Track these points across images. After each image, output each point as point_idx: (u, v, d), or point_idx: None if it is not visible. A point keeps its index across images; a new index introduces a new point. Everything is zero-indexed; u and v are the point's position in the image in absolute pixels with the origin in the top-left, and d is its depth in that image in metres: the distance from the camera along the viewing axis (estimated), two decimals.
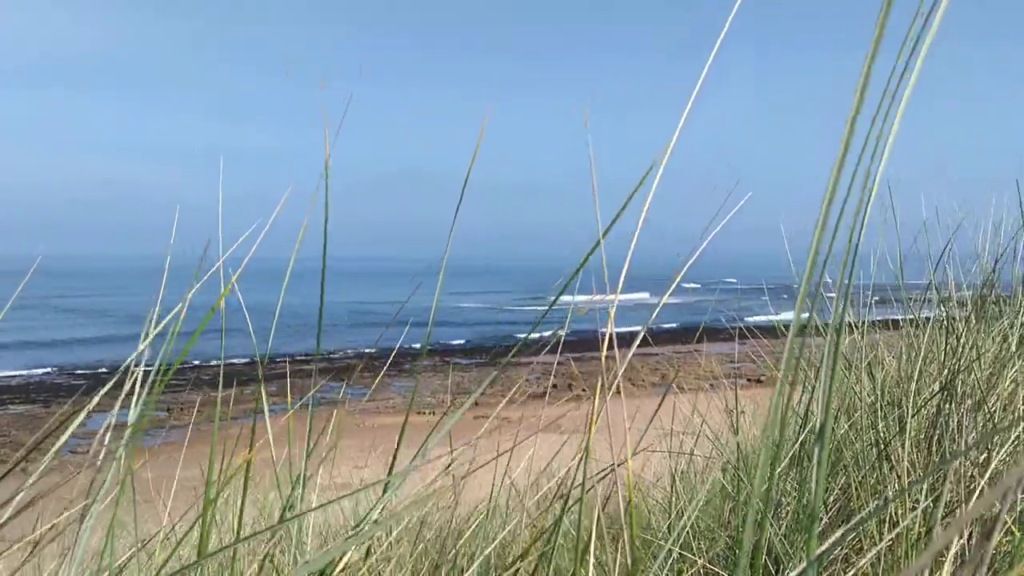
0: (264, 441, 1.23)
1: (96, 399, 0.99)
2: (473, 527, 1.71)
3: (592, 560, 0.99)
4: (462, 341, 34.45)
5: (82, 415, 0.97)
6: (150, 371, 1.03)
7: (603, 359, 0.84)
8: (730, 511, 2.13)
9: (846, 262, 0.52)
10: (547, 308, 0.93)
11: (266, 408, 1.24)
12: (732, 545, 2.00)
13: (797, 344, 0.50)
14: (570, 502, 1.05)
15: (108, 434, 0.97)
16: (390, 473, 1.04)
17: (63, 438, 0.92)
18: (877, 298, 2.56)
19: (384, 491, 0.94)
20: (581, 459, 0.88)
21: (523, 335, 0.95)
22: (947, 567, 0.99)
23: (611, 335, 0.89)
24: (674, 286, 0.93)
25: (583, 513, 0.88)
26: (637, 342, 0.91)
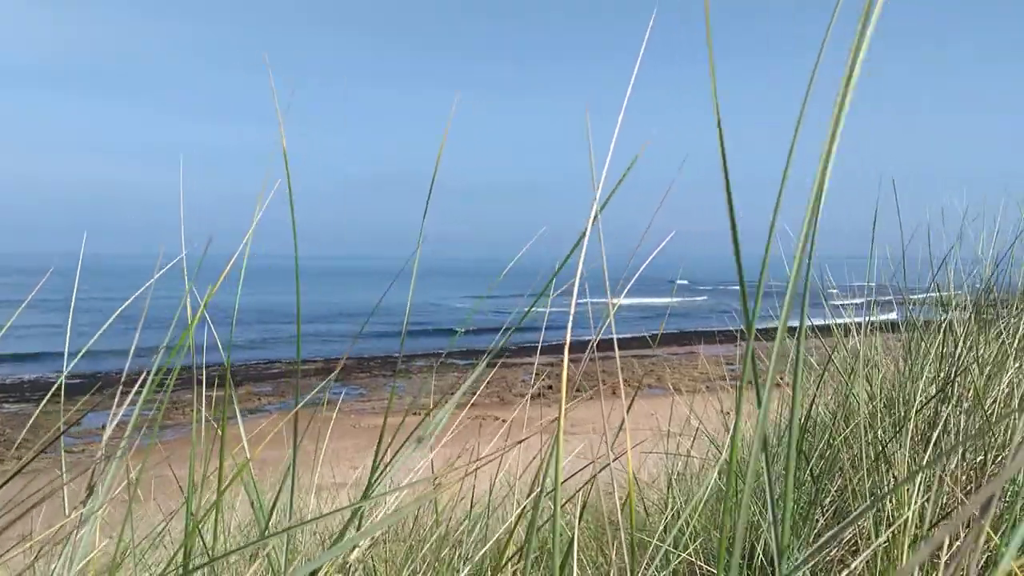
0: (263, 442, 1.23)
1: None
2: (466, 526, 1.71)
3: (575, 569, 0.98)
4: (459, 342, 34.44)
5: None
6: (147, 372, 1.03)
7: (565, 363, 0.84)
8: (726, 512, 2.12)
9: (800, 260, 0.52)
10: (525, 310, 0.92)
11: (238, 413, 1.23)
12: (727, 544, 2.00)
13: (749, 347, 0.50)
14: (542, 505, 1.05)
15: (105, 435, 0.97)
16: (372, 473, 1.03)
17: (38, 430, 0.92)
18: (877, 300, 2.57)
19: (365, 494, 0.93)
20: (549, 463, 0.88)
21: (528, 336, 0.95)
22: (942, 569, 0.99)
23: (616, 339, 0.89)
24: (628, 287, 0.93)
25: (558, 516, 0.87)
26: (590, 343, 0.90)
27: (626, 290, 0.96)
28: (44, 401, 1.09)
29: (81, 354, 1.15)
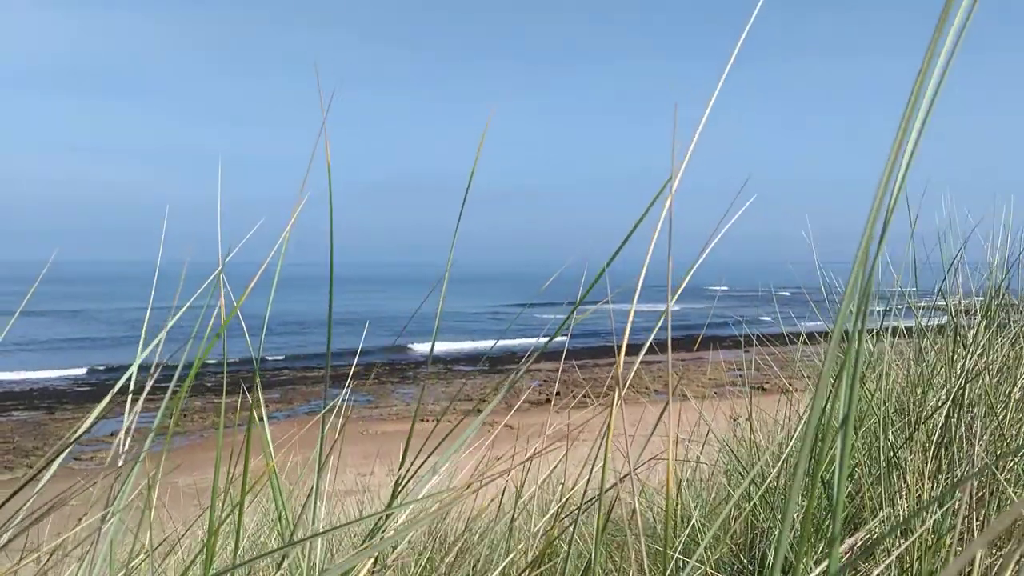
0: (272, 445, 1.23)
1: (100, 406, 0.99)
2: (482, 536, 1.71)
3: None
4: (467, 348, 34.48)
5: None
6: (159, 379, 1.03)
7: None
8: (736, 518, 2.12)
9: (862, 268, 0.52)
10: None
11: (263, 418, 1.23)
12: (737, 552, 1.99)
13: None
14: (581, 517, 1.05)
15: (121, 442, 0.97)
16: (397, 481, 1.03)
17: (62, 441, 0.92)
18: (887, 306, 2.56)
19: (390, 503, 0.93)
20: (592, 471, 0.88)
21: (533, 341, 0.95)
22: None
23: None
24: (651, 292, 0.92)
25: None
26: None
27: (674, 296, 0.95)
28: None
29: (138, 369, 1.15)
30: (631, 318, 0.84)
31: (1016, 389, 1.84)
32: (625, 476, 1.04)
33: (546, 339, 0.89)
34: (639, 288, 0.85)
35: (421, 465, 0.94)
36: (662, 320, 0.86)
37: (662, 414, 0.95)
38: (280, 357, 31.13)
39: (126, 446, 0.93)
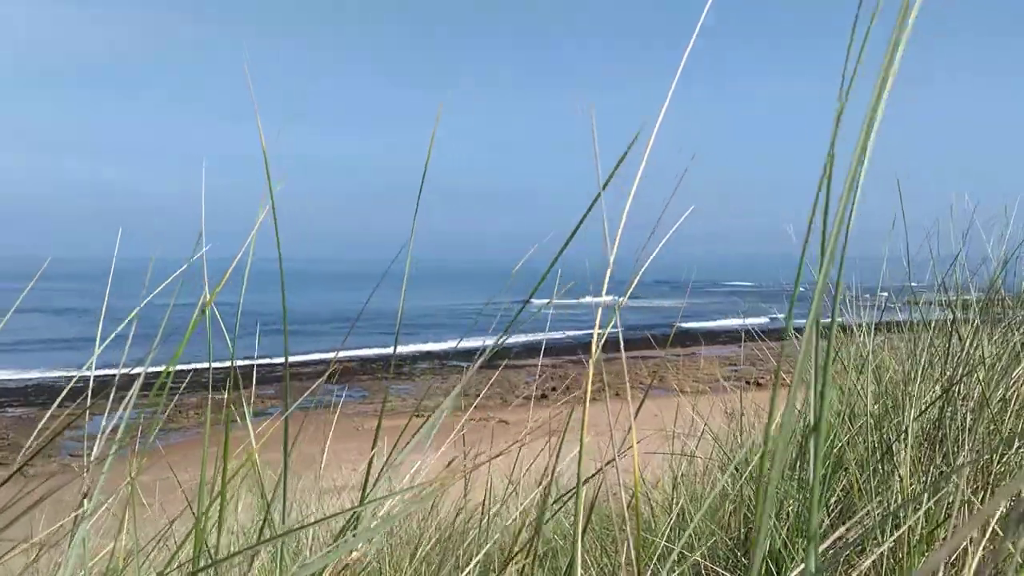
0: (263, 442, 1.23)
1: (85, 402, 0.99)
2: (473, 526, 1.71)
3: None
4: (461, 343, 34.39)
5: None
6: (150, 374, 1.03)
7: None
8: (730, 513, 2.12)
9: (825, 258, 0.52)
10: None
11: (248, 415, 1.23)
12: (732, 545, 1.99)
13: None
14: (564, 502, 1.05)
15: (107, 438, 0.97)
16: (380, 470, 1.03)
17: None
18: (884, 300, 2.56)
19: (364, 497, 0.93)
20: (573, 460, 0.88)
21: (530, 339, 0.95)
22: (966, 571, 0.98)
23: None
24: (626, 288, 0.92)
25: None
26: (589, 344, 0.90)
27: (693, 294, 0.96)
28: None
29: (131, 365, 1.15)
30: (599, 314, 0.84)
31: (1010, 382, 1.84)
32: (606, 462, 1.04)
33: (528, 337, 0.89)
34: (606, 285, 0.86)
35: (387, 459, 0.94)
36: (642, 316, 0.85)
37: (638, 410, 0.95)
38: (275, 355, 31.02)
39: (114, 443, 0.93)
